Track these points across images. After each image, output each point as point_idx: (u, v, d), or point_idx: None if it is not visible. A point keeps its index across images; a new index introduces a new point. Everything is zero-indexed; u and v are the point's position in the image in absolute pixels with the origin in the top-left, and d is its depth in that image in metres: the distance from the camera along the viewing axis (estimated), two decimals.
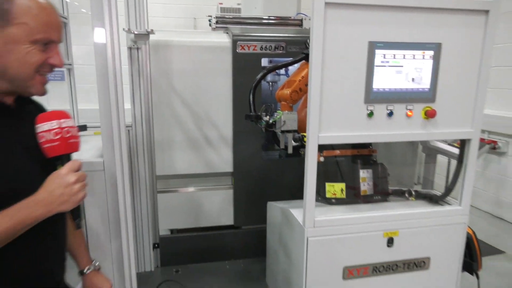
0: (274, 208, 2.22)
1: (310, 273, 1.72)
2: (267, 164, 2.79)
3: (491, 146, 4.02)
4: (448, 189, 1.88)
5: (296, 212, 1.83)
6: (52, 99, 4.40)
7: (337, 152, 1.97)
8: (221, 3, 5.54)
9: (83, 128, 2.21)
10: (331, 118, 1.56)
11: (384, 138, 1.70)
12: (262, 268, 2.57)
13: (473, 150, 1.74)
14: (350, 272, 1.74)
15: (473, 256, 1.96)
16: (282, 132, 1.95)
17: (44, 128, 0.98)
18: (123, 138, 1.39)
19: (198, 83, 2.57)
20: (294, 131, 1.94)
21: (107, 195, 1.40)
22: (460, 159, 1.80)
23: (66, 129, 1.00)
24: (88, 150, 1.82)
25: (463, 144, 1.77)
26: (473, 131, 1.71)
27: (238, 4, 5.44)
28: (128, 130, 2.45)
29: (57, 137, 0.98)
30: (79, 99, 2.77)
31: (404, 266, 1.81)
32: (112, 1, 1.30)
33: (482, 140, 4.04)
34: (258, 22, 3.01)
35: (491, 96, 4.14)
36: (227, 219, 2.80)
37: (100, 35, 1.31)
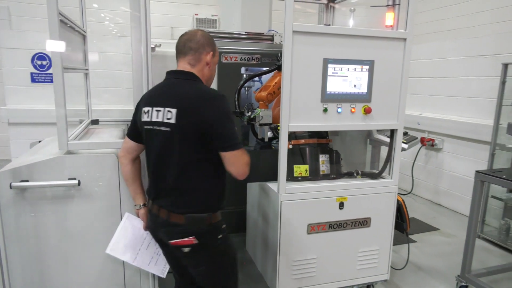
0: (253, 186, 2.79)
1: (283, 230, 2.29)
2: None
3: (429, 144, 4.80)
4: (383, 167, 2.52)
5: (271, 184, 2.41)
6: (45, 98, 4.80)
7: (302, 141, 2.57)
8: (197, 14, 6.06)
9: (95, 122, 2.68)
10: (297, 112, 2.16)
11: (335, 127, 2.32)
12: (242, 240, 3.12)
13: (398, 137, 2.40)
14: (312, 228, 2.34)
15: (403, 218, 2.61)
16: (260, 125, 2.53)
17: None
18: None
19: None
20: (269, 124, 2.53)
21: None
22: (390, 144, 2.45)
23: None
24: (110, 137, 2.33)
25: (392, 133, 2.43)
26: (398, 123, 2.37)
27: (213, 15, 5.99)
28: None
29: None
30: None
31: (352, 224, 2.42)
32: (147, 29, 1.83)
33: (423, 138, 4.82)
34: (237, 37, 3.58)
35: (430, 102, 4.95)
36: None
37: (138, 51, 1.83)
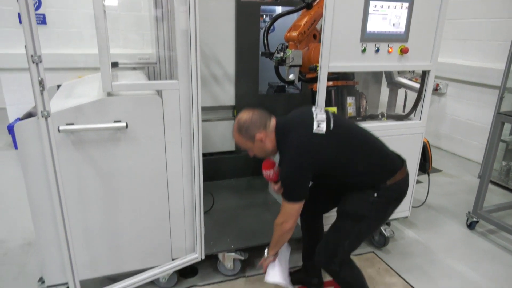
0: None
1: None
2: (263, 98, 3.32)
3: (433, 88, 4.84)
4: (413, 108, 2.55)
5: None
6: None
7: (330, 83, 2.54)
8: None
9: (115, 64, 2.56)
10: (337, 53, 2.11)
11: (373, 68, 2.29)
12: (262, 183, 3.19)
13: (431, 79, 2.40)
14: None
15: (426, 158, 2.69)
16: (290, 66, 2.47)
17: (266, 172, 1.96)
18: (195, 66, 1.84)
19: (206, 27, 2.95)
20: (299, 65, 2.48)
21: (180, 110, 1.86)
22: (421, 86, 2.46)
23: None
24: (138, 79, 2.24)
25: (423, 74, 2.43)
26: (432, 64, 2.36)
27: None
28: (154, 67, 2.83)
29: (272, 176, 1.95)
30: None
31: None
32: None
33: None
34: None
35: None
36: (229, 146, 3.34)
37: None
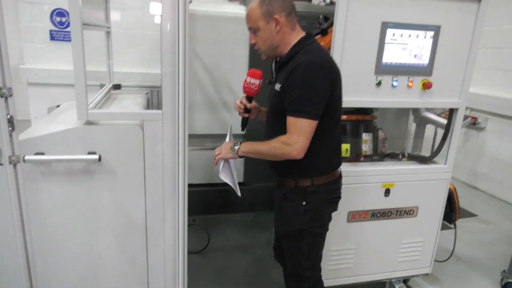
0: None
1: None
2: None
3: (471, 122, 4.42)
4: (437, 151, 2.23)
5: None
6: (65, 58, 4.52)
7: (344, 117, 2.28)
8: None
9: (117, 87, 2.45)
10: (348, 86, 1.85)
11: (389, 104, 2.02)
12: (269, 219, 2.92)
13: (459, 118, 2.09)
14: (353, 216, 2.10)
15: (452, 208, 2.35)
16: None
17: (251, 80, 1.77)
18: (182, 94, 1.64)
19: (218, 50, 2.81)
20: None
21: (163, 143, 1.68)
22: (448, 126, 2.15)
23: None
24: (134, 104, 2.10)
25: (451, 112, 2.12)
26: (460, 101, 2.05)
27: None
28: (158, 91, 2.71)
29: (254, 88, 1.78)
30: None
31: (397, 213, 2.18)
32: None
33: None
34: None
35: (475, 76, 4.51)
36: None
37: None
